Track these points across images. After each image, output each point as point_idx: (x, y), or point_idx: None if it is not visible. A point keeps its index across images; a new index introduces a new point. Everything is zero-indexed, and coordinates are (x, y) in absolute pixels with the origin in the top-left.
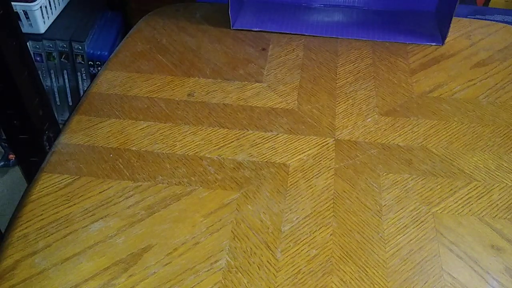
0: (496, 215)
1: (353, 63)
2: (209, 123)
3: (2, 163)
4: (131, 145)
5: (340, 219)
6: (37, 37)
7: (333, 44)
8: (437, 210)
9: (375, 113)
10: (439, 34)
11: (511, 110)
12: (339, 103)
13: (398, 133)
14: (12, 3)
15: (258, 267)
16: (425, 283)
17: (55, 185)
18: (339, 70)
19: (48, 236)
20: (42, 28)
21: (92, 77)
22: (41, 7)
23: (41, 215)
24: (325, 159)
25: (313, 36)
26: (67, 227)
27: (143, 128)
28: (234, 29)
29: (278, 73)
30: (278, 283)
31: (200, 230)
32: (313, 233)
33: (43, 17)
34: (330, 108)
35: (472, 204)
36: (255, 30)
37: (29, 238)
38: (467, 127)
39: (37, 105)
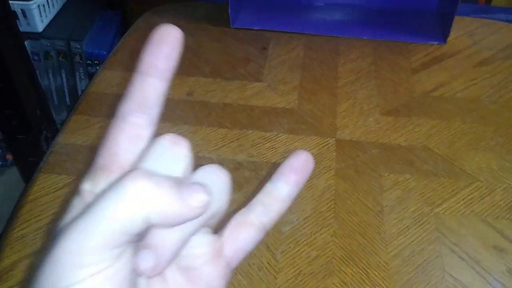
0: (498, 216)
1: (354, 62)
2: (209, 122)
3: None
4: None
5: (341, 220)
6: (35, 36)
7: (334, 43)
8: (439, 211)
9: (377, 113)
10: (441, 33)
11: None
12: (340, 102)
13: (399, 133)
14: (10, 1)
15: (258, 269)
16: (427, 285)
17: (53, 186)
18: (340, 69)
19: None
20: (40, 27)
21: (90, 76)
22: (39, 5)
23: (39, 215)
24: (326, 159)
25: (314, 35)
26: None
27: None
28: (234, 28)
29: (278, 72)
30: (278, 284)
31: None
32: (313, 234)
33: (41, 16)
34: (331, 107)
35: (474, 204)
36: (255, 29)
37: (27, 239)
38: (469, 126)
39: (34, 104)
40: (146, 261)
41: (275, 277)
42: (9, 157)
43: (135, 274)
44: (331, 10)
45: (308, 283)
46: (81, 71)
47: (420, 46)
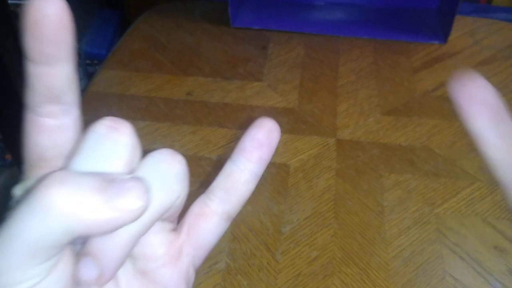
0: (499, 216)
1: (355, 62)
2: (208, 122)
3: None
4: None
5: (341, 220)
6: None
7: (335, 42)
8: (440, 211)
9: (377, 113)
10: (442, 32)
11: None
12: (340, 102)
13: (400, 132)
14: (9, 1)
15: (258, 269)
16: (427, 285)
17: None
18: (340, 69)
19: None
20: None
21: (90, 76)
22: None
23: None
24: (326, 159)
25: (314, 34)
26: None
27: (141, 127)
28: (233, 27)
29: (278, 72)
30: (279, 285)
31: None
32: (314, 234)
33: None
34: (331, 107)
35: (475, 204)
36: (255, 28)
37: None
38: None
39: None
40: (88, 271)
41: (275, 278)
42: (8, 157)
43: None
44: (331, 9)
45: (308, 284)
46: (80, 71)
47: (421, 45)
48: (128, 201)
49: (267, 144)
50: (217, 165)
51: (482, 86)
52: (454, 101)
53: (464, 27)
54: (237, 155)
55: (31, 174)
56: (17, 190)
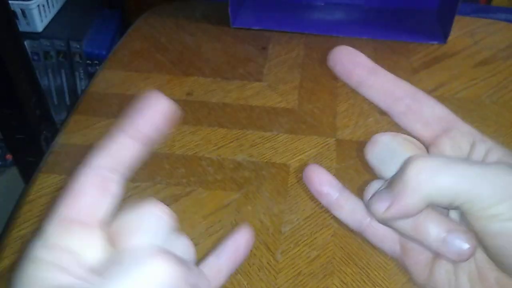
0: None
1: None
2: (209, 122)
3: None
4: None
5: (341, 220)
6: (34, 35)
7: (334, 42)
8: None
9: (377, 113)
10: (442, 33)
11: None
12: (340, 102)
13: (400, 133)
14: (10, 1)
15: (258, 269)
16: None
17: (52, 186)
18: None
19: None
20: (40, 26)
21: (90, 76)
22: (38, 5)
23: (38, 216)
24: (326, 159)
25: (314, 34)
26: None
27: None
28: (234, 28)
29: (278, 72)
30: (278, 285)
31: (200, 231)
32: (313, 234)
33: (41, 16)
34: (331, 107)
35: None
36: (255, 28)
37: (26, 239)
38: None
39: (34, 104)
40: None
41: (275, 277)
42: (9, 157)
43: None
44: (331, 9)
45: (308, 283)
46: (80, 71)
47: (420, 46)
48: None
49: (245, 248)
50: (217, 165)
51: (354, 53)
52: (335, 71)
53: (463, 27)
54: (220, 252)
55: (54, 232)
56: (38, 249)
